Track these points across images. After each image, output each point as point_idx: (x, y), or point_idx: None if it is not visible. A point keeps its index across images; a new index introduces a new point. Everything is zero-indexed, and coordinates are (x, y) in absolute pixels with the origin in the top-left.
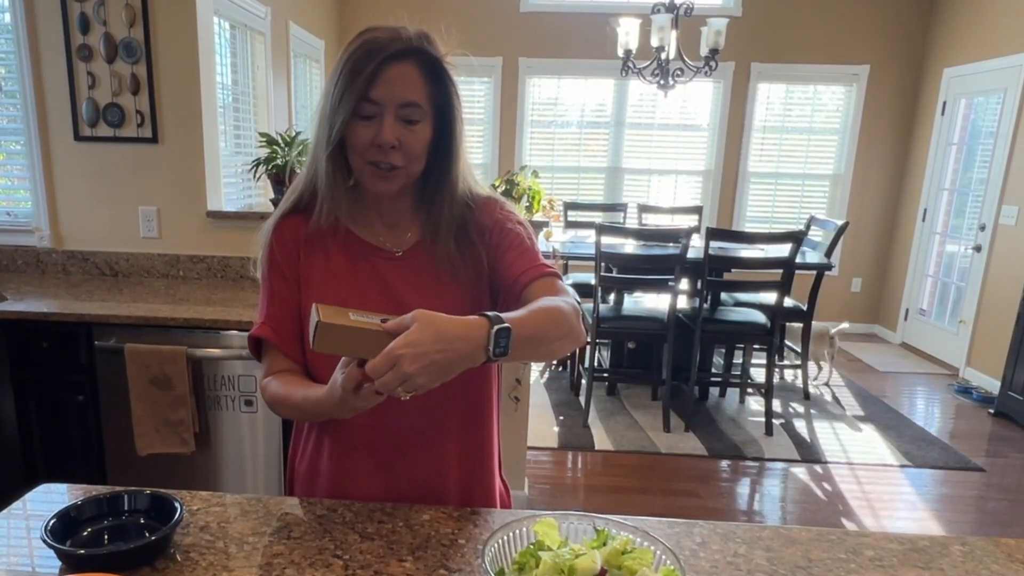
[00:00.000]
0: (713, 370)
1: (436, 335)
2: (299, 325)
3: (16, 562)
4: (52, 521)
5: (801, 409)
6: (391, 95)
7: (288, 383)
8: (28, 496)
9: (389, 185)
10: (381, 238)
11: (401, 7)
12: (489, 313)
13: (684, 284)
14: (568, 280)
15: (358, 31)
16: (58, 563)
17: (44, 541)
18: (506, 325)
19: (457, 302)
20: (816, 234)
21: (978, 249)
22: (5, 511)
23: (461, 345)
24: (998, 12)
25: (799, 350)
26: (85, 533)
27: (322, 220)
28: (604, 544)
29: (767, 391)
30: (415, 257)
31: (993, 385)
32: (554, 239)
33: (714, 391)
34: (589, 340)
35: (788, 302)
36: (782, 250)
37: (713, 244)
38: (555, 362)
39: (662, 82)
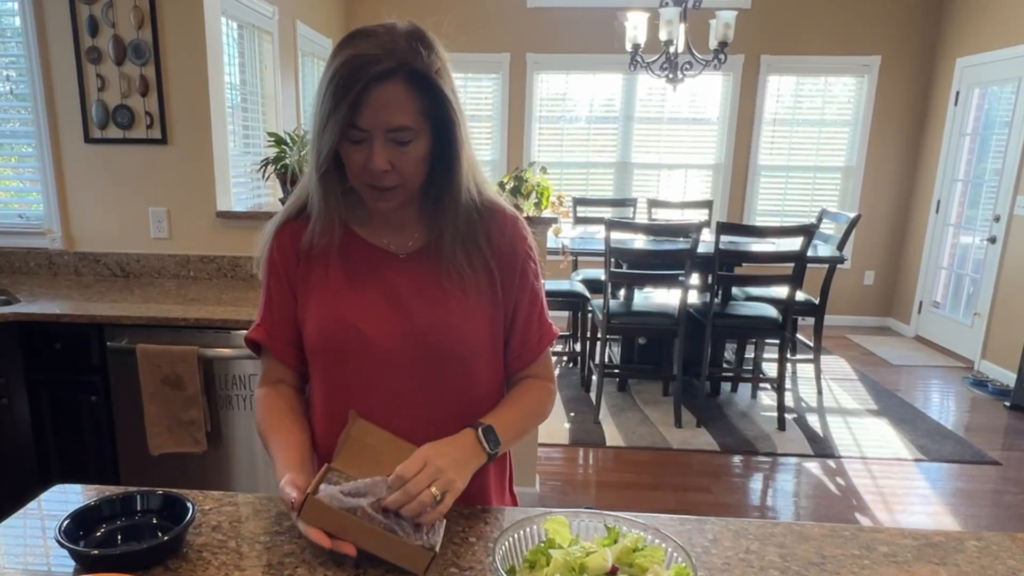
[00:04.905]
0: (724, 365)
1: (441, 448)
2: (295, 331)
3: (32, 562)
4: (66, 522)
5: (814, 403)
6: (378, 121)
7: (270, 412)
8: (43, 496)
9: (388, 203)
10: (385, 240)
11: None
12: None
13: (695, 279)
14: (578, 276)
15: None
16: (72, 563)
17: (58, 542)
18: (487, 424)
19: (461, 310)
20: (828, 227)
21: (993, 240)
22: (21, 511)
23: (466, 449)
24: (1011, 0)
25: (811, 344)
26: (99, 533)
27: (315, 240)
28: (615, 542)
29: (779, 385)
30: (419, 260)
31: (1009, 378)
32: (563, 235)
33: (726, 386)
34: (598, 339)
35: (800, 296)
36: (793, 244)
37: (724, 238)
38: (565, 358)
39: (671, 76)
